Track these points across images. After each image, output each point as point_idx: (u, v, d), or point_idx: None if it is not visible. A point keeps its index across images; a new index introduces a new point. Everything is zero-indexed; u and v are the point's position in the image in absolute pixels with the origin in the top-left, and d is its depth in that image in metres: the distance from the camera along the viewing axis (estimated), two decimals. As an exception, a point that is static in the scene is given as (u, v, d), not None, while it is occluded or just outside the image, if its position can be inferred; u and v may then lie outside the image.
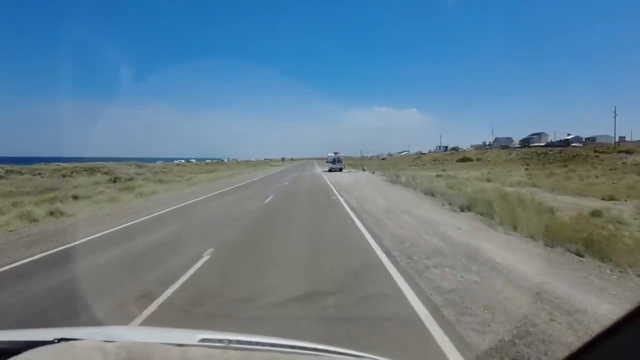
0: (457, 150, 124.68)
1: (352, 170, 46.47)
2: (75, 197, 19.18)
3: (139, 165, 63.41)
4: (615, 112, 71.47)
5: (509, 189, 21.58)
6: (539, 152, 77.81)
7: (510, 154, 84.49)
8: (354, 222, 9.64)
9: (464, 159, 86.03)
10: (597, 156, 55.33)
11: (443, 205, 12.86)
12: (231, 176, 37.41)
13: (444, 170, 55.44)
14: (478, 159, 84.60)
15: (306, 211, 12.03)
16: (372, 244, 7.11)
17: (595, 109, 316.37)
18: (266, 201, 14.79)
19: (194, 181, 28.96)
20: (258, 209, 12.52)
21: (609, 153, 59.09)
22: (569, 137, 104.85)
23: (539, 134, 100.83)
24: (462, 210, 11.55)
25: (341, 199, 15.26)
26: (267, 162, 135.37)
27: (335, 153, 43.58)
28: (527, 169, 49.82)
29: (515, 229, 8.78)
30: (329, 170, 42.66)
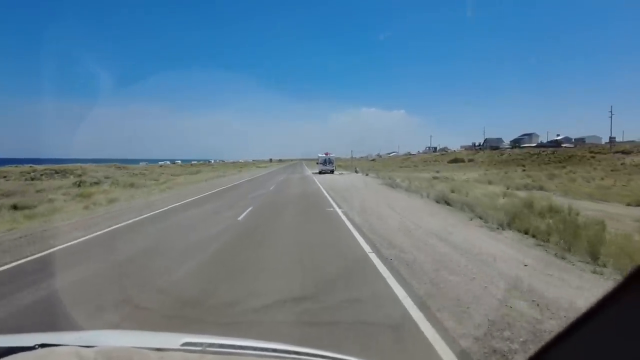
0: (446, 151, 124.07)
1: (343, 172, 43.70)
2: (15, 207, 15.91)
3: (119, 167, 59.53)
4: (611, 112, 70.72)
5: (520, 194, 19.13)
6: (531, 152, 76.62)
7: (502, 154, 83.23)
8: (367, 257, 6.32)
9: (456, 160, 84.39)
10: (593, 157, 54.01)
11: (471, 219, 10.07)
12: (213, 179, 34.15)
13: (438, 172, 53.27)
14: (470, 160, 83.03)
15: (293, 236, 8.36)
16: (425, 332, 3.56)
17: (584, 110, 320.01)
18: (241, 217, 11.05)
19: (167, 185, 25.67)
20: (226, 231, 8.81)
21: (605, 154, 57.90)
22: (559, 137, 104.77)
23: (529, 135, 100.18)
24: (500, 227, 8.78)
25: (339, 212, 12.43)
26: (255, 163, 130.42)
27: (326, 154, 40.44)
28: (524, 170, 48.07)
29: (596, 259, 6.06)
30: (320, 172, 39.81)
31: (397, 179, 30.11)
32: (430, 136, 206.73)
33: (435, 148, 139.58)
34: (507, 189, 24.46)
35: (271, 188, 22.28)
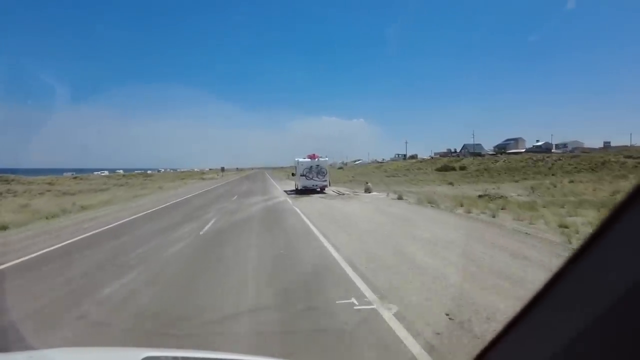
0: (415, 158, 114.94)
1: (341, 190, 26.07)
2: None
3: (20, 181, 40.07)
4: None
5: None
6: (533, 158, 66.40)
7: (496, 161, 72.71)
8: None
9: (445, 168, 72.52)
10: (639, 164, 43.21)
11: None
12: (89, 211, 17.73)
13: (452, 184, 39.98)
14: (462, 168, 71.62)
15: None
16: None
17: (560, 115, 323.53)
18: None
19: None
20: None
21: (636, 158, 47.76)
22: (539, 143, 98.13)
23: (515, 140, 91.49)
24: None
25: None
26: (202, 173, 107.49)
27: (313, 156, 24.10)
28: (571, 182, 36.11)
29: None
30: (298, 192, 23.98)
31: (430, 197, 15.90)
32: (406, 142, 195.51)
33: (405, 155, 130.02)
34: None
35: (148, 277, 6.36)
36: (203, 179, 62.49)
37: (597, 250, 0.66)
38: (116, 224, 12.51)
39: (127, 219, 13.49)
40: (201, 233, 9.81)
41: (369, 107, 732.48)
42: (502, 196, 25.55)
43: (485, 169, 60.44)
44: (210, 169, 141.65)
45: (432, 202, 15.25)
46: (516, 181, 38.76)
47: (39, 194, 27.44)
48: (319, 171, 23.69)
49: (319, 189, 23.94)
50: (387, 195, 20.48)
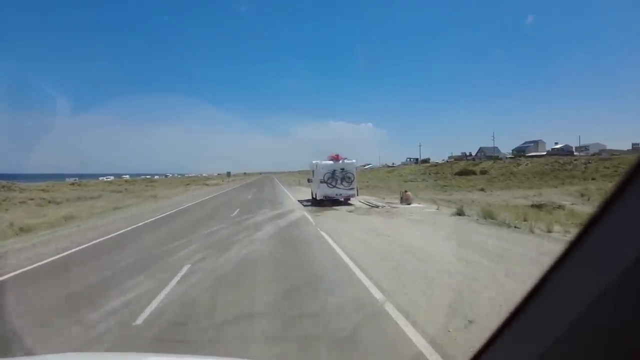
0: (427, 162, 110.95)
1: (370, 199, 21.30)
2: None
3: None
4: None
5: None
6: (560, 161, 61.91)
7: (518, 165, 68.33)
8: None
9: (465, 172, 68.34)
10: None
11: None
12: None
13: (484, 191, 36.02)
14: (483, 172, 67.40)
15: None
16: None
17: (573, 117, 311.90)
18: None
19: None
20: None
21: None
22: (558, 146, 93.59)
23: (535, 142, 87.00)
24: None
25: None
26: (209, 178, 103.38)
27: (337, 158, 19.45)
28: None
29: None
30: (315, 202, 20.14)
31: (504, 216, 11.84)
32: (420, 145, 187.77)
33: (417, 159, 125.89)
34: None
35: None
36: (207, 184, 58.38)
37: (587, 245, 0.67)
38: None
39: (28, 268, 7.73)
40: (136, 323, 4.56)
41: (378, 111, 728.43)
42: (559, 206, 21.67)
43: (511, 173, 56.18)
44: (219, 174, 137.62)
45: (506, 221, 11.41)
46: (555, 186, 34.71)
47: (20, 202, 24.19)
48: (345, 177, 19.03)
49: (342, 199, 19.52)
50: (438, 208, 16.30)
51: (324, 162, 19.50)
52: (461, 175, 66.71)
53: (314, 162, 20.62)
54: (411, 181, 55.30)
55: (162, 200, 26.56)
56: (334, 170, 19.01)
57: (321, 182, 19.01)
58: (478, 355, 0.82)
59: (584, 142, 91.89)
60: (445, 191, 35.36)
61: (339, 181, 19.01)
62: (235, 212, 17.25)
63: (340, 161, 19.34)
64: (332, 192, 18.99)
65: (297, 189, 35.90)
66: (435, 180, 55.72)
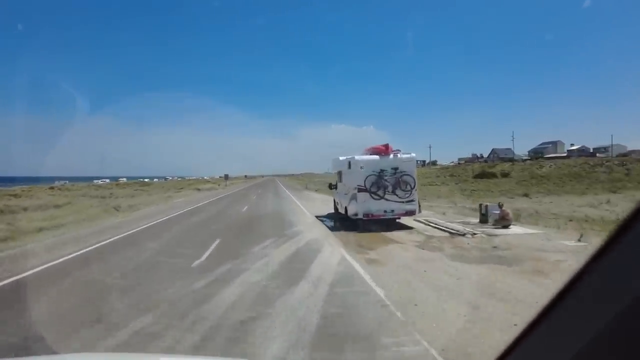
0: (435, 164, 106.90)
1: (438, 223, 12.68)
2: None
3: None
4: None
5: None
6: (590, 163, 56.81)
7: (541, 167, 63.19)
8: None
9: (484, 175, 63.18)
10: None
11: None
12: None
13: (528, 197, 30.85)
14: (504, 175, 62.24)
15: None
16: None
17: (581, 118, 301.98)
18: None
19: None
20: None
21: None
22: (574, 147, 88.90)
23: (553, 143, 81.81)
24: None
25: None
26: (206, 180, 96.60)
27: (386, 150, 12.63)
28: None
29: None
30: (340, 218, 14.20)
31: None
32: (430, 146, 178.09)
33: (424, 161, 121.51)
34: None
35: None
36: (199, 189, 49.64)
37: (617, 251, 0.65)
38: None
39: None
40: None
41: (379, 114, 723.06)
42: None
43: (542, 177, 51.04)
44: (220, 177, 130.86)
45: None
46: (612, 191, 29.48)
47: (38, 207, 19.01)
48: (400, 181, 12.37)
49: (397, 217, 12.94)
50: (554, 229, 10.48)
51: (364, 157, 13.04)
52: (481, 178, 61.65)
53: (342, 158, 14.37)
54: (430, 184, 50.04)
55: (121, 214, 18.95)
56: (382, 171, 12.40)
57: (360, 189, 12.31)
58: (503, 356, 0.79)
59: (600, 144, 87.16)
60: (476, 197, 30.19)
61: (390, 189, 12.35)
62: (214, 245, 9.95)
63: (391, 156, 12.68)
64: (378, 206, 12.26)
65: (307, 195, 30.67)
66: (456, 184, 50.49)
